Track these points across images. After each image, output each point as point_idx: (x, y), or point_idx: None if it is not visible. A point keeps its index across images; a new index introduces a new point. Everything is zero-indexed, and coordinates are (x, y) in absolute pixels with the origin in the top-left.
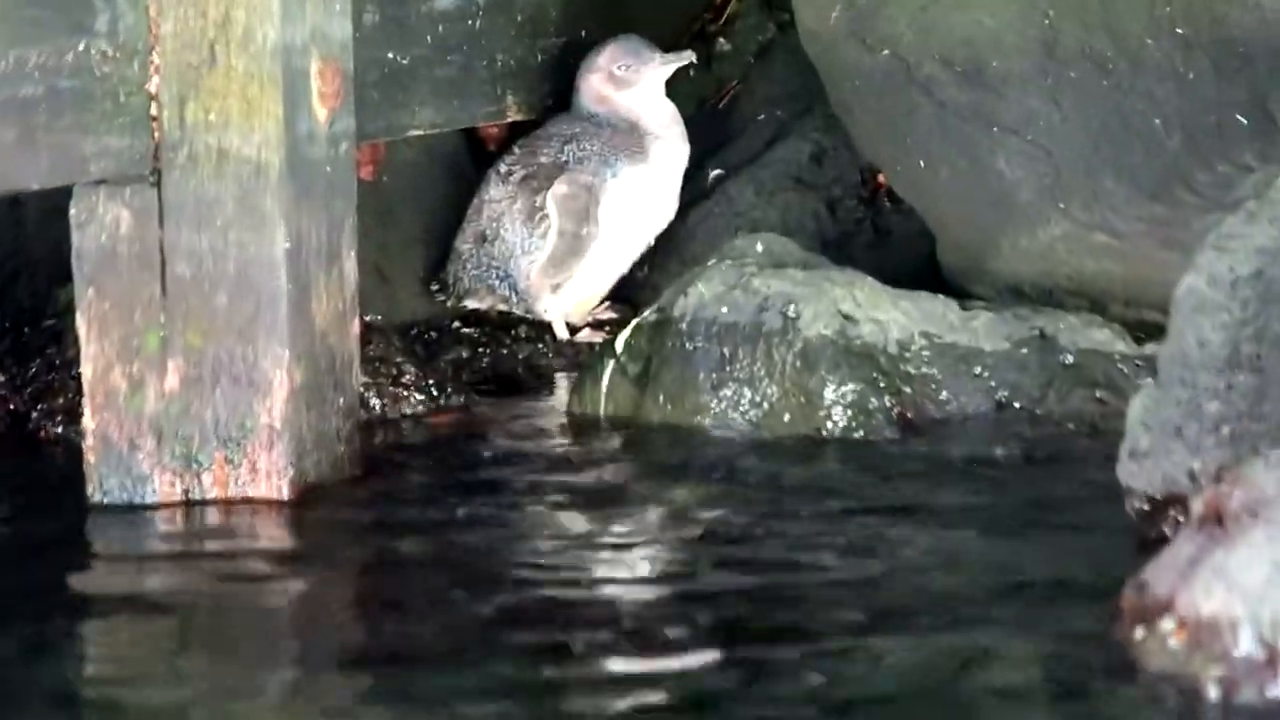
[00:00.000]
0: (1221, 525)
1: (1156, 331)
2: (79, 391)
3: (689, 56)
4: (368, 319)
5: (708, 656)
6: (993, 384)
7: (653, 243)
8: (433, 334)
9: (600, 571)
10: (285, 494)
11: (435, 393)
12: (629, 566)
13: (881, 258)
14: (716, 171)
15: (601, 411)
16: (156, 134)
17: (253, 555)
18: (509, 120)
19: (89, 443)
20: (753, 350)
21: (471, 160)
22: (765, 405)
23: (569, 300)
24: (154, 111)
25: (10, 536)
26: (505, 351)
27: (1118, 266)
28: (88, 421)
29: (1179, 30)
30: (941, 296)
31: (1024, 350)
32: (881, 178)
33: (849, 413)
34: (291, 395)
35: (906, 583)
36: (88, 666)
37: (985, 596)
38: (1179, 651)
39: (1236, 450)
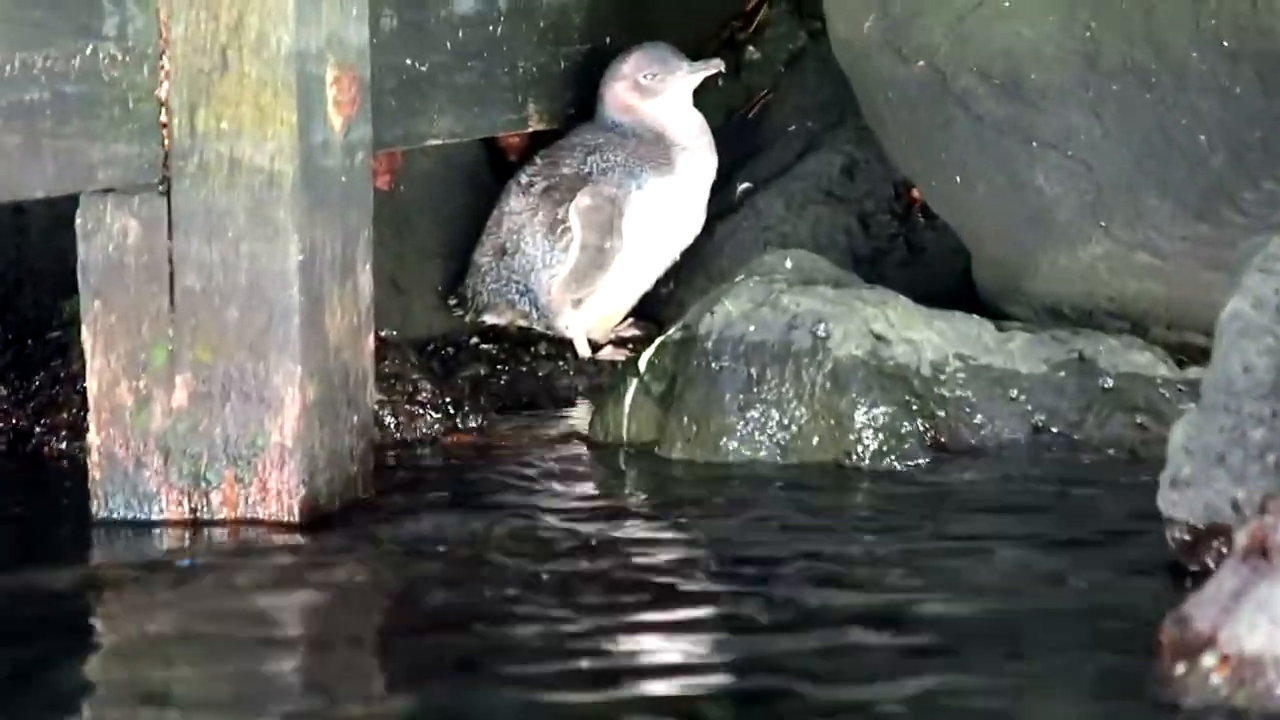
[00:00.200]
0: (1266, 558)
1: (1200, 355)
2: (84, 407)
3: (717, 65)
4: (383, 334)
5: (729, 684)
6: (1029, 408)
7: (678, 258)
8: (450, 350)
9: (620, 599)
10: (296, 514)
11: (452, 411)
12: (651, 595)
13: (915, 275)
14: (745, 184)
15: (624, 433)
16: (166, 141)
17: (262, 577)
18: (530, 130)
19: (94, 460)
20: (781, 371)
21: (491, 171)
22: (794, 428)
23: (591, 316)
24: (164, 118)
25: (12, 556)
26: (525, 369)
27: (1160, 287)
28: (92, 438)
29: (1225, 43)
30: (977, 317)
31: (1062, 373)
32: (916, 192)
33: (880, 437)
34: (304, 412)
35: (940, 613)
36: (86, 689)
37: (1021, 628)
38: (1221, 688)
39: None
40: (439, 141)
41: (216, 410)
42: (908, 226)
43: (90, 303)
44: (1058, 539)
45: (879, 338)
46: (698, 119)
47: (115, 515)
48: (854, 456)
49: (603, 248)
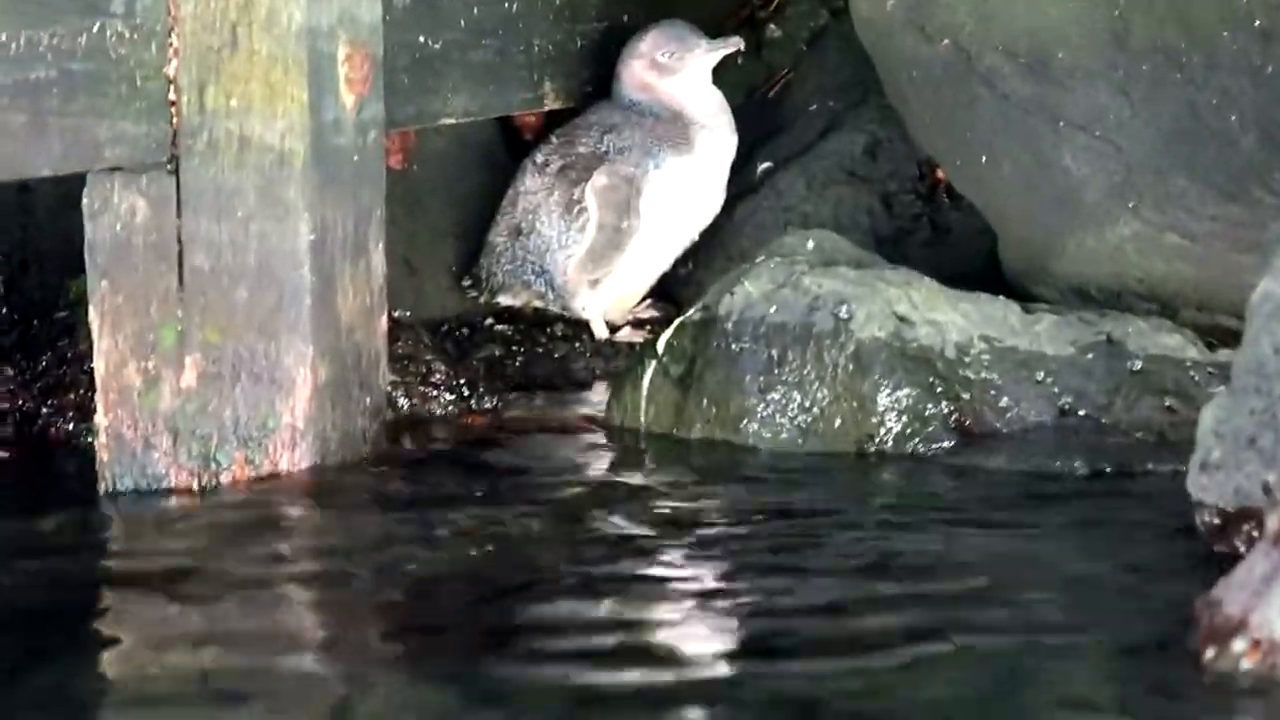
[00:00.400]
0: None
1: (1230, 337)
2: (91, 388)
3: (737, 43)
4: (396, 314)
5: (748, 667)
6: (1056, 391)
7: (697, 238)
8: (464, 331)
9: (635, 581)
10: (307, 496)
11: (466, 393)
12: (667, 579)
13: (939, 256)
14: (766, 164)
15: (642, 415)
16: (175, 120)
17: (272, 560)
18: (546, 108)
19: (101, 441)
20: (802, 352)
21: (506, 150)
22: (815, 411)
23: (608, 297)
24: (172, 96)
25: (19, 539)
26: (540, 350)
27: (1190, 269)
28: (100, 419)
29: (1257, 22)
30: (1002, 298)
31: (1090, 356)
32: (940, 172)
33: (904, 420)
34: (315, 394)
35: (966, 598)
36: (96, 670)
37: (1049, 613)
38: (1251, 673)
39: None
40: (453, 120)
41: (226, 391)
42: (932, 207)
43: (98, 283)
44: (1085, 524)
45: (902, 319)
46: (717, 97)
47: (123, 497)
48: (876, 440)
49: (620, 228)
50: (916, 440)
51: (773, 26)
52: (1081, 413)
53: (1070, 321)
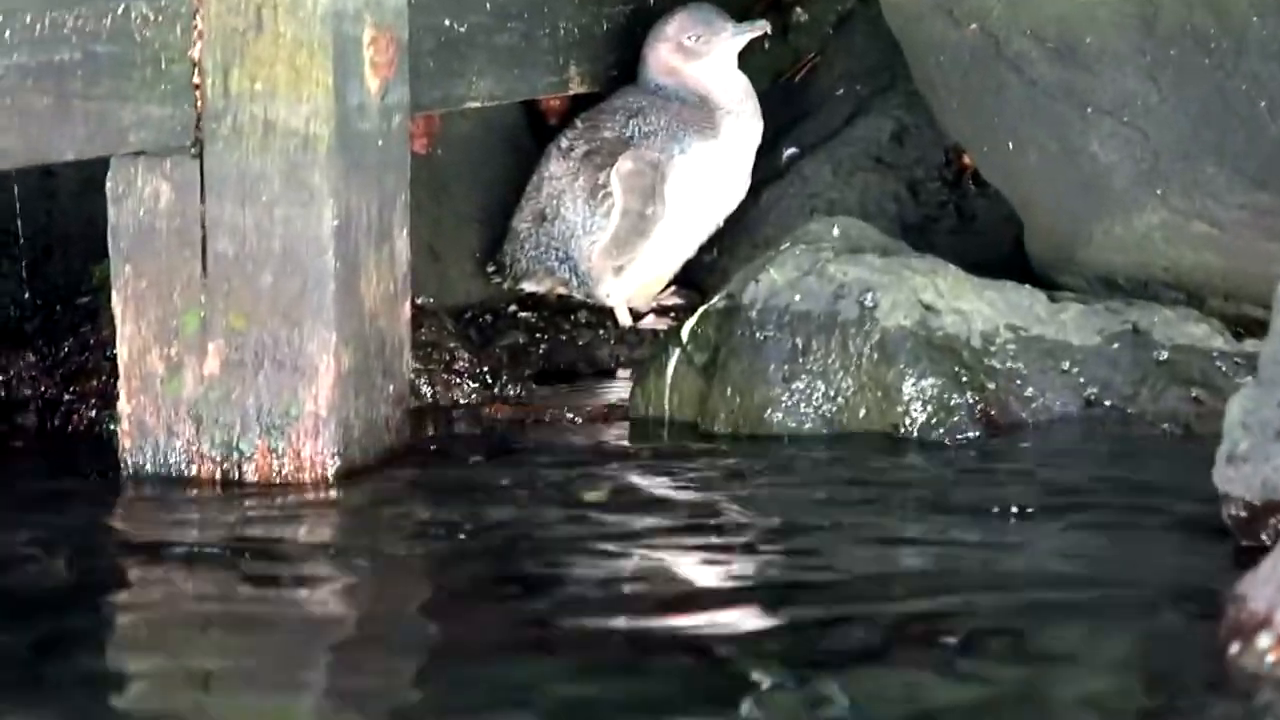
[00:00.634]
0: None
1: (1258, 328)
2: (114, 374)
3: (763, 27)
4: (419, 301)
5: (769, 655)
6: (1082, 381)
7: (722, 224)
8: (488, 318)
9: (660, 568)
10: (330, 484)
11: (490, 380)
12: (691, 568)
13: (965, 244)
14: (791, 150)
15: (665, 403)
16: (199, 103)
17: (294, 549)
18: (571, 92)
19: (124, 428)
20: (827, 341)
21: (531, 134)
22: (840, 400)
23: (632, 284)
24: (196, 79)
25: (41, 527)
26: (564, 338)
27: (1218, 258)
28: (123, 406)
29: None
30: (1029, 287)
31: (1116, 345)
32: (966, 159)
33: (929, 409)
34: (338, 381)
35: (989, 590)
36: (116, 660)
37: (1072, 606)
38: (1277, 668)
39: None
40: (478, 104)
41: (249, 378)
42: (958, 194)
43: (121, 268)
44: (1110, 516)
45: (928, 308)
46: (743, 82)
47: (145, 484)
48: (902, 429)
49: (644, 214)
50: (941, 430)
51: (799, 10)
52: (1107, 403)
53: (1096, 311)
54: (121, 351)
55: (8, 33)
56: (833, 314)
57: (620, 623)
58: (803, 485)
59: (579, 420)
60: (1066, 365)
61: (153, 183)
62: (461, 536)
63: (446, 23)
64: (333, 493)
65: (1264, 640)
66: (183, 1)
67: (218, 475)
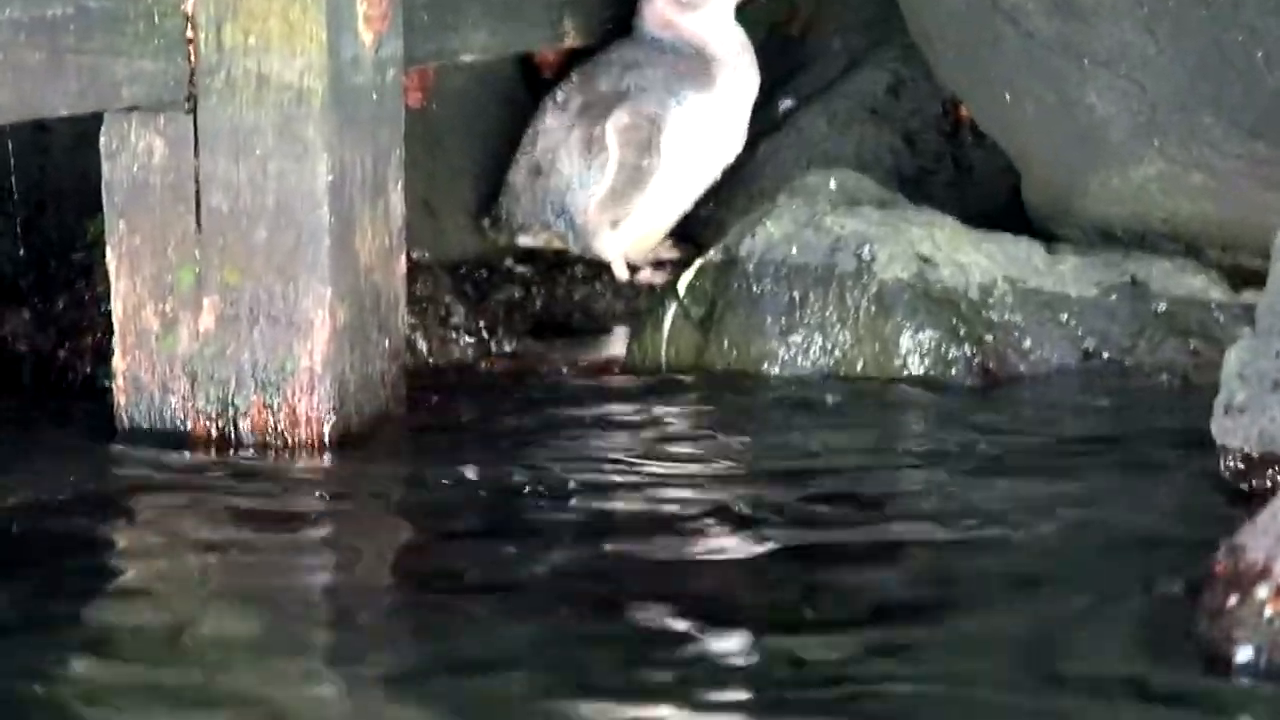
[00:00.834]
0: None
1: (1255, 278)
2: (108, 330)
3: None
4: (414, 256)
5: (769, 613)
6: (1080, 333)
7: (719, 177)
8: (483, 273)
9: (657, 525)
10: (326, 440)
11: (486, 335)
12: (689, 521)
13: (963, 196)
14: (787, 102)
15: (662, 357)
16: (193, 58)
17: (291, 505)
18: (567, 45)
19: (119, 384)
20: (824, 294)
21: (526, 88)
22: (837, 353)
23: (628, 238)
24: (190, 33)
25: (35, 484)
26: (560, 292)
27: (1215, 208)
28: (117, 362)
29: None
30: (1026, 239)
31: (1113, 297)
32: (963, 110)
33: (926, 361)
34: (334, 336)
35: (986, 543)
36: (109, 617)
37: (1069, 557)
38: (1275, 620)
39: None
40: (472, 58)
41: (244, 334)
42: (955, 145)
43: (115, 224)
44: (1107, 465)
45: (925, 260)
46: (739, 34)
47: (140, 441)
48: (899, 382)
49: (641, 167)
50: (939, 383)
51: None
52: (1105, 355)
53: (1094, 263)
54: (116, 307)
55: None
56: (830, 267)
57: (620, 571)
58: (799, 437)
59: (575, 374)
60: (1064, 317)
61: (146, 138)
62: (458, 490)
63: None
64: (328, 447)
65: (1262, 591)
66: None
67: (213, 431)
